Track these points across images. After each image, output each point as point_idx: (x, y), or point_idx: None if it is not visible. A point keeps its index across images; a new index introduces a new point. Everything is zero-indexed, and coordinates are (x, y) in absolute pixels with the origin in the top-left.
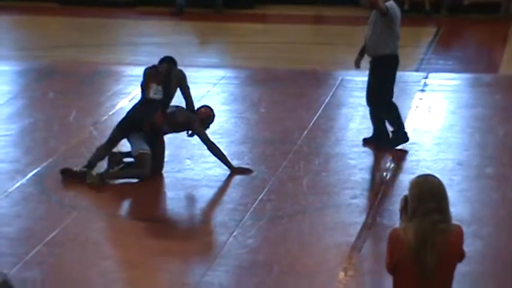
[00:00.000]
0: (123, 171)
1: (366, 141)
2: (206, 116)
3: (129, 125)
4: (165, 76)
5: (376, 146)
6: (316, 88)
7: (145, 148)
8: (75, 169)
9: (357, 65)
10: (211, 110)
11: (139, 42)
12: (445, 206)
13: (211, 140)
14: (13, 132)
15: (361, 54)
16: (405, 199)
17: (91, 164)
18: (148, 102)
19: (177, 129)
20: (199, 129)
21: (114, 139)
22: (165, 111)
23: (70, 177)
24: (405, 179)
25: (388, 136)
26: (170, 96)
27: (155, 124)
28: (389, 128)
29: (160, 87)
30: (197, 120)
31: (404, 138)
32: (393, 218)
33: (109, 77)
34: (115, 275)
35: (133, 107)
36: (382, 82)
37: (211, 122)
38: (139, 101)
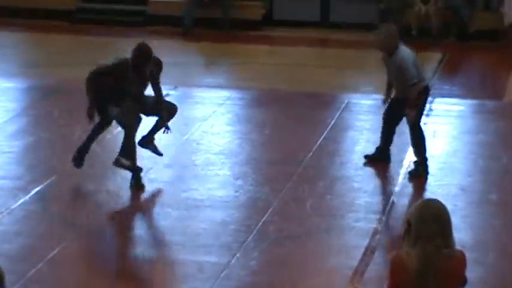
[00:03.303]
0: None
1: (368, 158)
2: None
3: None
4: None
5: (377, 163)
6: (321, 110)
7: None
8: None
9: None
10: None
11: None
12: (448, 231)
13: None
14: (16, 149)
15: (388, 91)
16: (408, 223)
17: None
18: None
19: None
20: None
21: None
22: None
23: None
24: (409, 203)
25: (389, 154)
26: None
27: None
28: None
29: None
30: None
31: (425, 173)
32: (396, 242)
33: None
34: None
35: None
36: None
37: None
38: None
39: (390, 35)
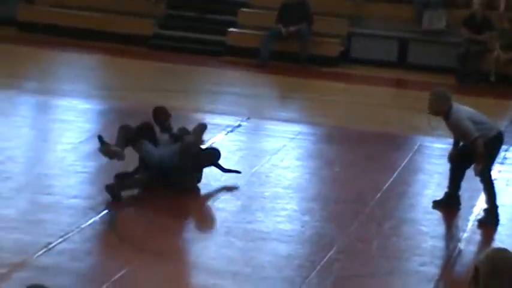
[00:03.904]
0: None
1: (437, 204)
2: None
3: None
4: None
5: (447, 208)
6: (393, 151)
7: None
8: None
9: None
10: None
11: (220, 91)
12: None
13: None
14: (90, 169)
15: (455, 147)
16: (476, 269)
17: None
18: None
19: None
20: None
21: None
22: None
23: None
24: (477, 251)
25: (458, 199)
26: None
27: None
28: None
29: None
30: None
31: (495, 222)
32: None
33: (186, 123)
34: None
35: None
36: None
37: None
38: None
39: (439, 100)
